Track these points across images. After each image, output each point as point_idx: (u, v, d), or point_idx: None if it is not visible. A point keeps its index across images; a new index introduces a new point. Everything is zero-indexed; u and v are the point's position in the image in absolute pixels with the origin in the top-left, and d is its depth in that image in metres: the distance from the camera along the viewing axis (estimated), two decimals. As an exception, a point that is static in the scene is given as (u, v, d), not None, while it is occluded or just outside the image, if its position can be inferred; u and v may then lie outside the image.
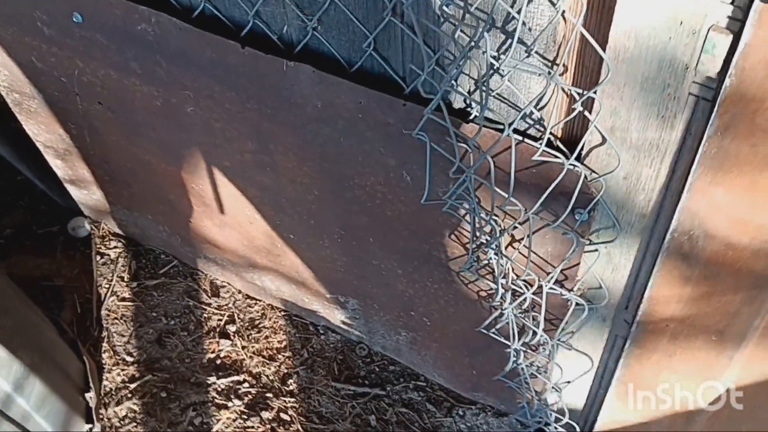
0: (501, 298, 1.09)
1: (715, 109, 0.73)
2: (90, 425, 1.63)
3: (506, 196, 0.91)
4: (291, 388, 1.72)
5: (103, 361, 1.78)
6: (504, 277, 1.07)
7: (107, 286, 1.92)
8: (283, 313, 1.84)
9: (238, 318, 1.86)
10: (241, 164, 1.40)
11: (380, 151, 1.12)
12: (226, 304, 1.88)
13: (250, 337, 1.82)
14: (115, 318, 1.87)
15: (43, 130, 1.75)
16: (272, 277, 1.75)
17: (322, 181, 1.29)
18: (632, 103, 0.81)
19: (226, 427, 1.66)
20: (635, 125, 0.83)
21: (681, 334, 1.06)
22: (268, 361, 1.78)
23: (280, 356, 1.78)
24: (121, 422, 1.68)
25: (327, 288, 1.64)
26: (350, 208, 1.31)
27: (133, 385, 1.74)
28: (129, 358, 1.79)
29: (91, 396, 1.66)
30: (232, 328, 1.84)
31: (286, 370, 1.76)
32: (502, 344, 1.28)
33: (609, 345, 1.22)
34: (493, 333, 1.25)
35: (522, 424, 1.55)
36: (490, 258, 1.05)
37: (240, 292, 1.89)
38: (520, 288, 1.10)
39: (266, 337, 1.82)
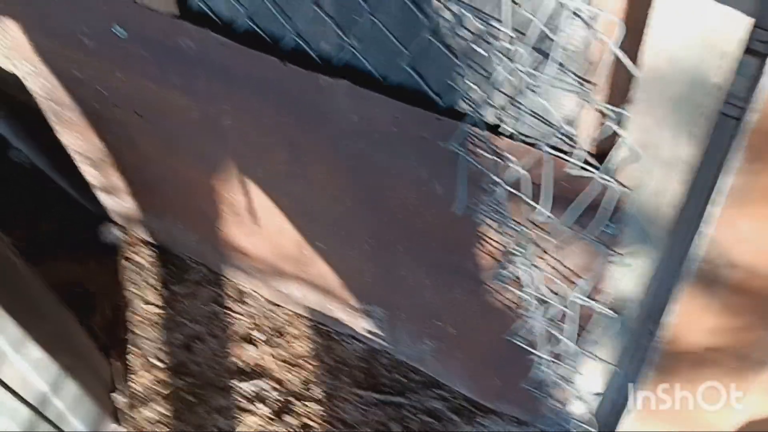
0: (529, 307, 1.12)
1: (742, 133, 0.76)
2: (119, 426, 1.67)
3: (536, 206, 0.94)
4: (315, 394, 1.76)
5: (132, 365, 1.83)
6: (533, 288, 1.10)
7: (136, 291, 1.97)
8: (308, 321, 1.88)
9: (264, 325, 1.89)
10: (274, 175, 1.44)
11: (413, 164, 1.16)
12: (252, 311, 1.92)
13: (275, 343, 1.86)
14: (144, 323, 1.91)
15: (78, 139, 1.80)
16: (298, 286, 1.79)
17: (354, 192, 1.33)
18: (664, 120, 0.84)
19: (247, 427, 1.70)
20: (667, 143, 0.86)
21: (702, 361, 1.08)
22: (292, 368, 1.81)
23: (304, 363, 1.82)
24: (150, 424, 1.72)
25: (353, 297, 1.67)
26: (381, 219, 1.34)
27: (161, 389, 1.78)
28: (157, 363, 1.83)
29: (118, 397, 1.70)
30: (257, 335, 1.88)
31: (310, 377, 1.79)
32: (527, 354, 1.30)
33: (632, 356, 1.24)
34: (519, 340, 1.28)
35: (544, 434, 1.57)
36: (520, 268, 1.08)
37: (266, 299, 1.92)
38: (548, 298, 1.13)
39: (291, 344, 1.86)
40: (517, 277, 1.16)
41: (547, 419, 1.50)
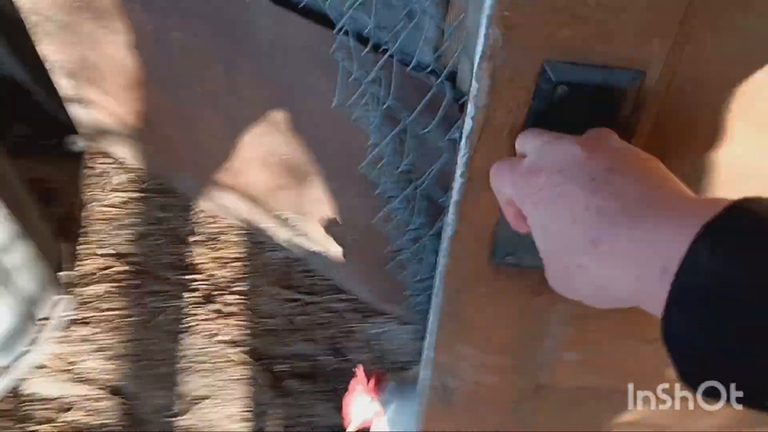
0: (390, 193, 1.42)
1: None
2: (61, 295, 1.95)
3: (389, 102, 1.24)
4: (238, 288, 2.05)
5: (81, 253, 2.10)
6: (392, 177, 1.40)
7: (93, 194, 2.25)
8: (240, 230, 2.16)
9: (202, 231, 2.18)
10: (211, 90, 1.73)
11: (316, 76, 1.45)
12: (194, 219, 2.20)
13: (210, 246, 2.14)
14: (97, 220, 2.19)
15: (56, 52, 2.07)
16: (232, 197, 2.07)
17: (273, 104, 1.62)
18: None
19: (173, 313, 1.98)
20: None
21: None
22: (222, 267, 2.10)
23: (232, 264, 2.11)
24: (93, 299, 2.00)
25: (275, 206, 1.96)
26: (295, 129, 1.64)
27: (105, 272, 2.06)
28: (104, 252, 2.11)
29: (65, 274, 1.98)
30: (196, 238, 2.16)
31: (236, 275, 2.08)
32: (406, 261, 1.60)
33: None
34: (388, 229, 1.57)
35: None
36: (385, 159, 1.38)
37: (206, 210, 2.21)
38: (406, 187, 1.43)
39: (223, 248, 2.14)
40: (384, 169, 1.45)
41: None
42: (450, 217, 0.75)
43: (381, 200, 1.62)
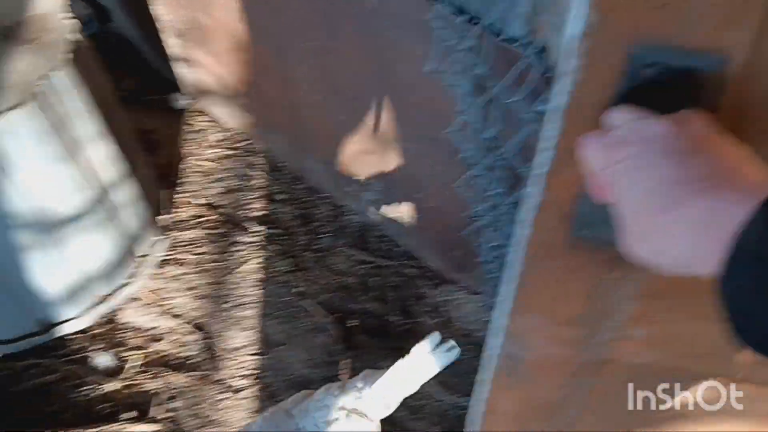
0: (472, 159, 1.49)
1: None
2: (159, 236, 2.11)
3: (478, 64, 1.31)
4: (315, 246, 2.16)
5: (178, 201, 2.26)
6: (476, 144, 1.47)
7: (191, 148, 2.41)
8: (321, 192, 2.28)
9: (287, 191, 2.31)
10: (311, 49, 1.84)
11: (414, 41, 1.54)
12: (280, 179, 2.33)
13: (292, 204, 2.26)
14: (192, 172, 2.35)
15: (168, 12, 2.23)
16: (320, 159, 2.19)
17: (370, 66, 1.71)
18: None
19: (257, 263, 2.12)
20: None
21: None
22: (301, 225, 2.22)
23: (312, 223, 2.22)
24: (184, 242, 2.16)
25: (358, 170, 2.06)
26: (388, 92, 1.72)
27: (197, 220, 2.22)
28: (197, 202, 2.27)
29: (162, 218, 2.14)
30: (280, 197, 2.29)
31: (314, 235, 2.19)
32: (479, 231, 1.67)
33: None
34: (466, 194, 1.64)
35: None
36: (472, 124, 1.45)
37: (292, 171, 2.33)
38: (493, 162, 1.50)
39: (305, 208, 2.26)
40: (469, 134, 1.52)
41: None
42: (534, 188, 0.80)
43: (461, 168, 1.69)
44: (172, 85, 2.51)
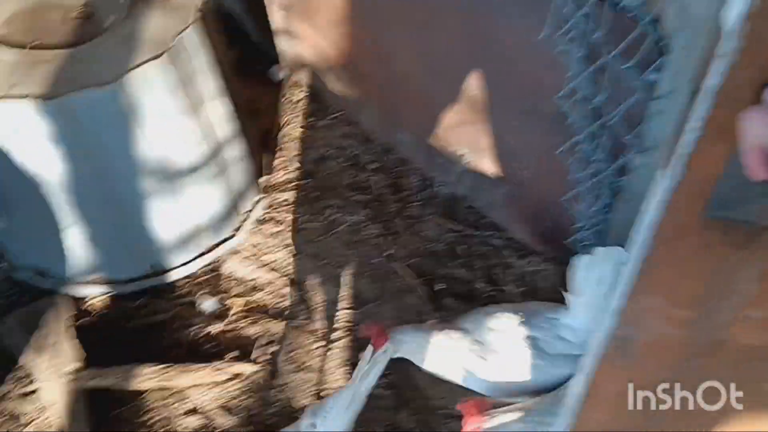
0: (577, 126, 1.55)
1: None
2: (260, 195, 2.24)
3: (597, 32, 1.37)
4: (407, 213, 2.25)
5: (277, 165, 2.39)
6: (583, 111, 1.53)
7: (289, 117, 2.54)
8: (412, 164, 2.37)
9: (378, 161, 2.41)
10: (415, 25, 1.93)
11: (520, 14, 1.61)
12: (372, 149, 2.44)
13: (384, 175, 2.36)
14: (290, 139, 2.48)
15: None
16: (413, 130, 2.28)
17: (470, 37, 1.79)
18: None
19: (349, 226, 2.22)
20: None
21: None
22: (392, 194, 2.32)
23: (403, 193, 2.32)
24: (282, 203, 2.28)
25: (453, 140, 2.14)
26: (487, 65, 1.80)
27: (294, 184, 2.34)
28: (294, 167, 2.39)
29: (264, 179, 2.27)
30: (371, 166, 2.39)
31: (404, 203, 2.29)
32: (573, 205, 1.72)
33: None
34: (570, 161, 1.69)
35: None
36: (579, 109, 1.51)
37: (383, 142, 2.43)
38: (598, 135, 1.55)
39: (396, 178, 2.36)
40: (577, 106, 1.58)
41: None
42: (675, 168, 0.81)
43: (559, 138, 1.75)
44: (271, 58, 2.64)
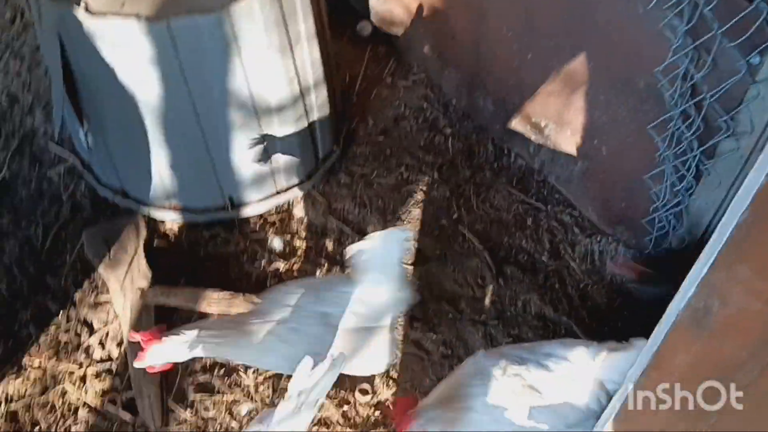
0: (673, 102, 1.53)
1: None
2: (337, 146, 2.28)
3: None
4: (477, 181, 2.26)
5: (355, 119, 2.42)
6: (681, 88, 1.50)
7: (371, 73, 2.56)
8: (488, 135, 2.37)
9: (454, 126, 2.41)
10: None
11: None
12: (449, 115, 2.44)
13: (460, 140, 2.37)
14: (371, 96, 2.50)
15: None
16: (496, 99, 2.27)
17: (569, 8, 1.78)
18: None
19: (419, 185, 2.24)
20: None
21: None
22: (465, 160, 2.32)
23: (475, 159, 2.32)
24: (355, 156, 2.31)
25: (537, 111, 2.13)
26: (584, 37, 1.78)
27: (370, 138, 2.37)
28: (371, 123, 2.42)
29: (343, 131, 2.31)
30: (447, 131, 2.40)
31: (476, 170, 2.29)
32: (651, 188, 1.70)
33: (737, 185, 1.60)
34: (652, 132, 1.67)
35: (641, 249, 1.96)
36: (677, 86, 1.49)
37: (461, 107, 2.43)
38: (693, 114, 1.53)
39: (470, 144, 2.36)
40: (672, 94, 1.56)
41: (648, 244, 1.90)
42: None
43: (647, 116, 1.72)
44: (361, 13, 2.66)
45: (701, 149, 1.56)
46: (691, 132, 1.55)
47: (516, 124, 2.25)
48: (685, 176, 1.62)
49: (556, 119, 2.07)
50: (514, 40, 2.06)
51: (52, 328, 1.91)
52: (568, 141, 2.08)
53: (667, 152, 1.63)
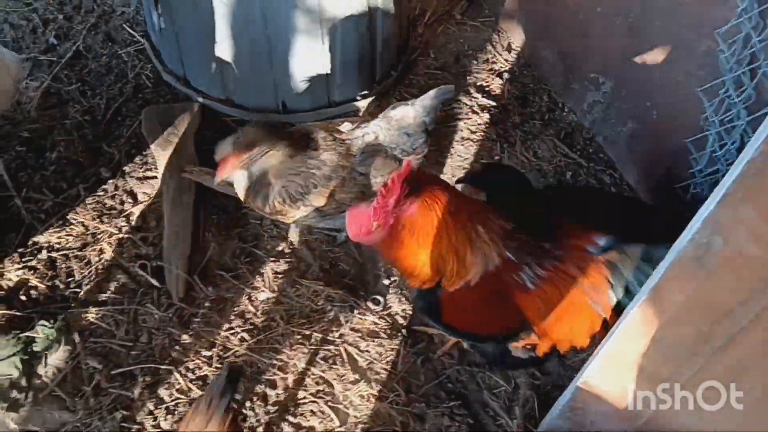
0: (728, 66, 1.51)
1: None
2: (396, 74, 2.31)
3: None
4: (525, 129, 2.27)
5: (417, 48, 2.45)
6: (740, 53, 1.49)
7: (442, 8, 2.58)
8: (547, 84, 2.37)
9: (512, 72, 2.42)
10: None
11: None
12: (511, 60, 2.45)
13: (516, 87, 2.38)
14: (437, 30, 2.53)
15: None
16: (553, 50, 2.27)
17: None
18: None
19: (468, 123, 2.27)
20: None
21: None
22: (518, 107, 2.33)
23: (526, 109, 2.33)
24: (410, 85, 2.36)
25: (595, 68, 2.12)
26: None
27: (427, 69, 2.40)
28: (432, 55, 2.45)
29: (402, 59, 2.34)
30: (506, 76, 2.41)
31: (527, 119, 2.30)
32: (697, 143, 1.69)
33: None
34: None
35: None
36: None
37: (524, 57, 2.43)
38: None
39: (526, 92, 2.37)
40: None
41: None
42: None
43: (702, 80, 1.70)
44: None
45: (748, 119, 1.55)
46: (741, 100, 1.54)
47: (574, 78, 2.24)
48: (726, 145, 1.61)
49: (615, 77, 2.06)
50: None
51: (100, 192, 2.03)
52: (622, 100, 2.07)
53: (713, 118, 1.62)
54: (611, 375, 1.30)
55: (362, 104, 2.25)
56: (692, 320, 1.15)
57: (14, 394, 1.67)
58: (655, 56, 1.86)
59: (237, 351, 1.77)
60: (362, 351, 1.80)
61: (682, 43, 1.76)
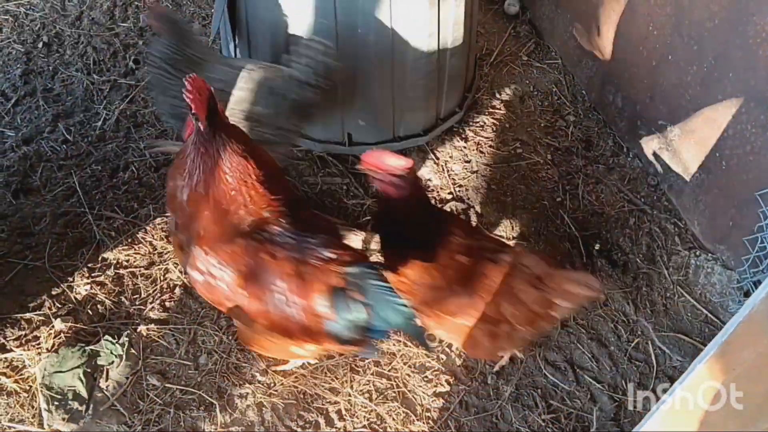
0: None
1: None
2: (461, 112, 2.34)
3: None
4: (589, 172, 2.26)
5: (482, 88, 2.48)
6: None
7: (508, 48, 2.60)
8: (610, 129, 2.36)
9: (578, 115, 2.42)
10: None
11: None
12: (576, 104, 2.45)
13: (581, 130, 2.37)
14: (503, 70, 2.55)
15: None
16: (621, 95, 2.25)
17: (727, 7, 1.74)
18: None
19: (530, 164, 2.27)
20: None
21: None
22: (582, 150, 2.32)
23: (591, 152, 2.32)
24: (474, 123, 2.37)
25: (663, 116, 2.10)
26: (737, 42, 1.74)
27: (490, 110, 2.42)
28: (495, 93, 2.47)
29: (469, 96, 2.37)
30: (571, 118, 2.41)
31: (590, 162, 2.29)
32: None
33: None
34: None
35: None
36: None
37: (591, 103, 2.43)
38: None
39: (590, 136, 2.36)
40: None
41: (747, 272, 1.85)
42: None
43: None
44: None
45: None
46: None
47: (641, 124, 2.22)
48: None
49: (683, 126, 2.04)
50: (658, 39, 2.03)
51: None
52: (690, 150, 2.04)
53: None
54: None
55: (425, 139, 2.27)
56: (762, 380, 1.11)
57: (75, 405, 1.72)
58: (727, 107, 1.84)
59: (292, 377, 1.79)
60: (415, 386, 1.80)
61: (756, 96, 1.73)
